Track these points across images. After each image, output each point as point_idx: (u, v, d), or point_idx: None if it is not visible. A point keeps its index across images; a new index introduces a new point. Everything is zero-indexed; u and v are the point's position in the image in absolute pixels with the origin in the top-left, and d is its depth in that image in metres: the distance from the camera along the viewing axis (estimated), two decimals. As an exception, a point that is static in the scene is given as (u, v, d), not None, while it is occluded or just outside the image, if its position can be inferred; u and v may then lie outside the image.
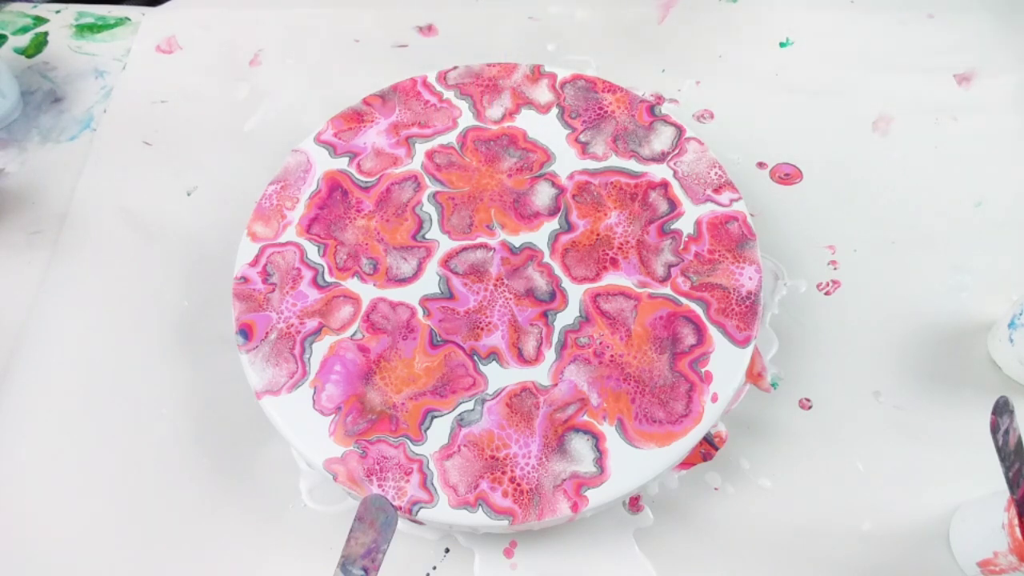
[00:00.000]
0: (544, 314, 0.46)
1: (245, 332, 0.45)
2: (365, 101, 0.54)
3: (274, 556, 0.43)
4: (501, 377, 0.44)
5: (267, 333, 0.45)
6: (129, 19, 0.65)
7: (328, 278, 0.47)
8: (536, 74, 0.55)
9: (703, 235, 0.48)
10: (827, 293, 0.52)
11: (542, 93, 0.54)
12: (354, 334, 0.45)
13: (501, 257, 0.48)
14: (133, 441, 0.46)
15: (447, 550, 0.43)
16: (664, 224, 0.49)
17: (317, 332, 0.45)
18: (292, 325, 0.45)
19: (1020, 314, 0.46)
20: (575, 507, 0.40)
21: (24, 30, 0.64)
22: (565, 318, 0.46)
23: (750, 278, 0.46)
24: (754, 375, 0.48)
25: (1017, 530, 0.36)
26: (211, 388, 0.48)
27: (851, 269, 0.52)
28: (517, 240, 0.49)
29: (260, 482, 0.45)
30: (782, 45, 0.63)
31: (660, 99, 0.60)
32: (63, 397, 0.48)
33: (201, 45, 0.63)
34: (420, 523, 0.43)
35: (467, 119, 0.53)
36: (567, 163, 0.51)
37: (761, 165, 0.57)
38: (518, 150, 0.52)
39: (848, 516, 0.44)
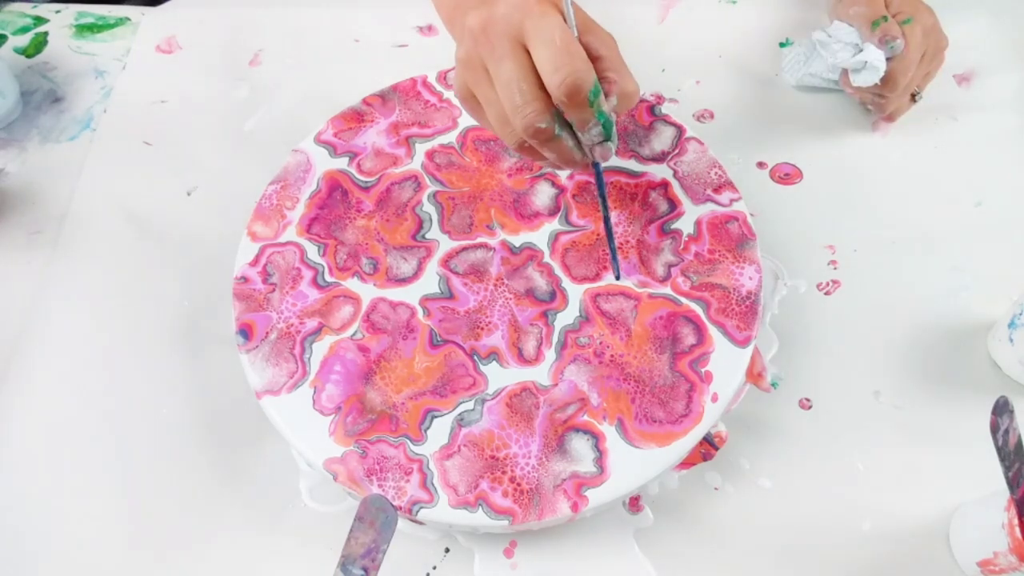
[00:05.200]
0: (544, 314, 0.46)
1: (245, 332, 0.45)
2: (365, 101, 0.54)
3: (274, 556, 0.43)
4: (501, 377, 0.44)
5: (267, 333, 0.45)
6: (129, 19, 0.65)
7: (328, 278, 0.47)
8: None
9: (703, 235, 0.48)
10: (827, 293, 0.52)
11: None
12: (354, 334, 0.45)
13: (501, 257, 0.48)
14: (133, 441, 0.46)
15: (447, 550, 0.43)
16: (664, 224, 0.49)
17: (317, 332, 0.45)
18: (292, 325, 0.45)
19: (1020, 314, 0.46)
20: (575, 507, 0.40)
21: (24, 30, 0.64)
22: (565, 318, 0.46)
23: (750, 278, 0.46)
24: (754, 375, 0.48)
25: (1017, 530, 0.36)
26: (211, 388, 0.48)
27: (851, 269, 0.52)
28: (517, 240, 0.49)
29: (260, 482, 0.45)
30: (782, 45, 0.63)
31: (660, 99, 0.60)
32: (63, 397, 0.48)
33: (201, 45, 0.63)
34: (420, 523, 0.43)
35: (467, 119, 0.53)
36: (567, 163, 0.51)
37: (761, 165, 0.57)
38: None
39: (848, 516, 0.44)
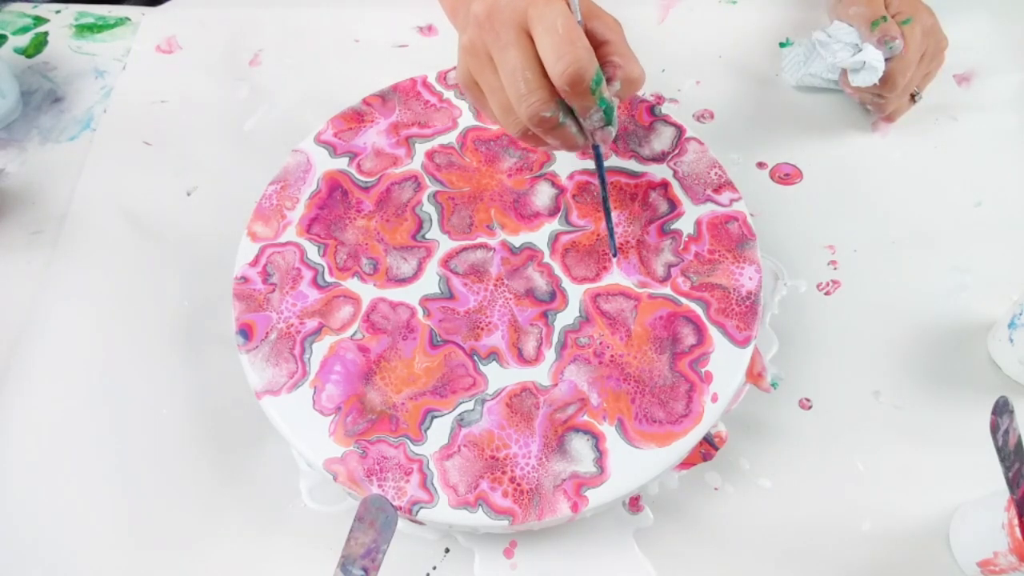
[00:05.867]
0: (544, 314, 0.46)
1: (245, 332, 0.45)
2: (365, 101, 0.54)
3: (274, 556, 0.43)
4: (501, 377, 0.44)
5: (267, 333, 0.45)
6: (129, 19, 0.65)
7: (328, 278, 0.47)
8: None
9: (703, 235, 0.48)
10: (827, 293, 0.52)
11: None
12: (354, 334, 0.45)
13: (501, 257, 0.48)
14: (133, 441, 0.46)
15: (447, 550, 0.43)
16: (664, 224, 0.49)
17: (317, 332, 0.45)
18: (292, 325, 0.45)
19: (1020, 314, 0.46)
20: (575, 507, 0.40)
21: (24, 30, 0.64)
22: (565, 318, 0.46)
23: (750, 278, 0.46)
24: (754, 375, 0.48)
25: (1017, 530, 0.36)
26: (211, 388, 0.48)
27: (851, 269, 0.52)
28: (517, 240, 0.49)
29: (260, 482, 0.45)
30: (782, 45, 0.63)
31: (660, 99, 0.60)
32: (63, 397, 0.48)
33: (201, 45, 0.63)
34: (420, 523, 0.43)
35: (467, 119, 0.53)
36: (567, 163, 0.51)
37: (761, 165, 0.57)
38: (518, 150, 0.52)
39: (848, 516, 0.44)
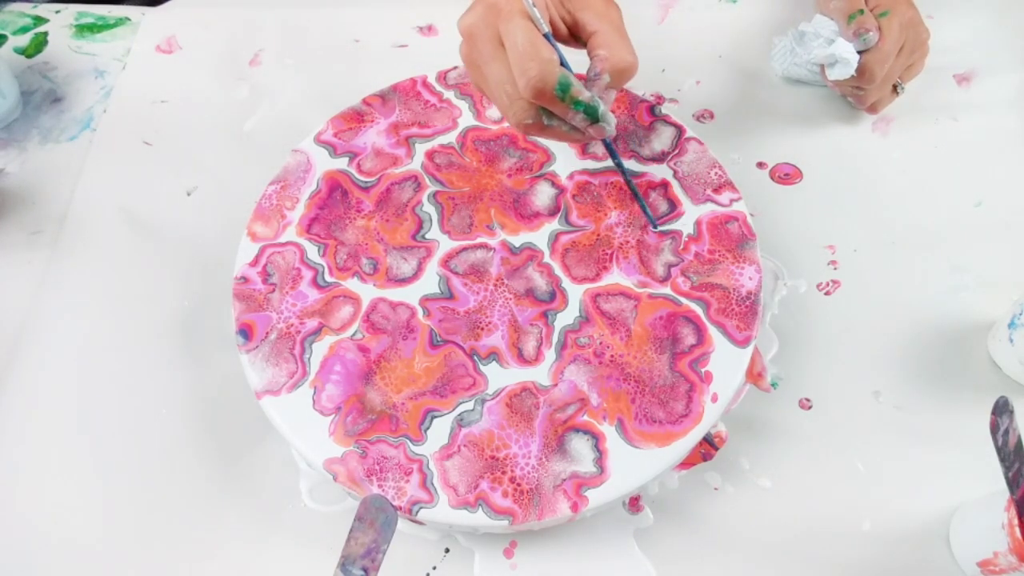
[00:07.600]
0: (544, 314, 0.46)
1: (245, 332, 0.45)
2: (365, 101, 0.54)
3: (274, 556, 0.43)
4: (501, 377, 0.44)
5: (267, 333, 0.45)
6: (129, 19, 0.65)
7: (328, 278, 0.47)
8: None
9: (703, 235, 0.48)
10: (827, 293, 0.52)
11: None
12: (354, 334, 0.45)
13: (501, 257, 0.48)
14: (132, 441, 0.46)
15: (447, 550, 0.43)
16: (664, 224, 0.49)
17: (317, 332, 0.45)
18: (292, 325, 0.45)
19: (1020, 314, 0.46)
20: (575, 507, 0.40)
21: (24, 30, 0.64)
22: (565, 318, 0.46)
23: (750, 278, 0.46)
24: (754, 375, 0.48)
25: (1017, 530, 0.36)
26: (211, 388, 0.48)
27: (851, 269, 0.52)
28: (517, 240, 0.49)
29: (260, 482, 0.45)
30: (782, 45, 0.63)
31: (660, 99, 0.60)
32: (63, 397, 0.48)
33: (201, 45, 0.63)
34: (420, 523, 0.43)
35: (467, 119, 0.53)
36: (567, 163, 0.51)
37: (761, 165, 0.57)
38: (518, 150, 0.52)
39: (848, 516, 0.44)
